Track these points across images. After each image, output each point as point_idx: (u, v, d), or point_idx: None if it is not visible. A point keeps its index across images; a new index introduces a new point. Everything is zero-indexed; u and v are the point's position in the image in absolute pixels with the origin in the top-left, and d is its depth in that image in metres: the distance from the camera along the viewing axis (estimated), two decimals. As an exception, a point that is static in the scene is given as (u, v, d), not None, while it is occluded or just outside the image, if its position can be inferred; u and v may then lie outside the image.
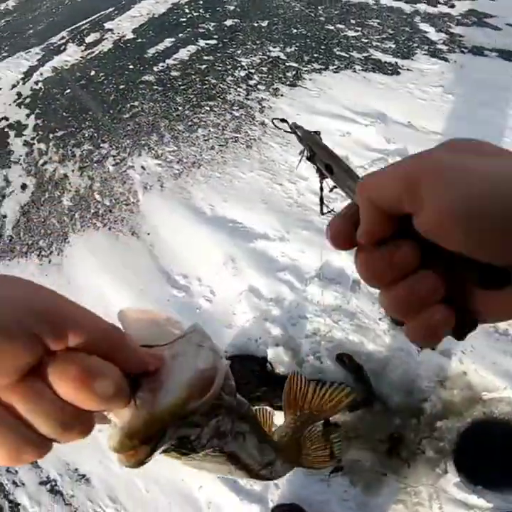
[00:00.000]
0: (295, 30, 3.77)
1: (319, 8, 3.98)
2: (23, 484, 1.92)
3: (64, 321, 0.31)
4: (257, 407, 0.94)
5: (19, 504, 1.89)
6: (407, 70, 3.09)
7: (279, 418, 1.72)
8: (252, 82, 3.28)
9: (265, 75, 3.32)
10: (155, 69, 3.67)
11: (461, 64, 3.07)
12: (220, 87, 3.29)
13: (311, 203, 2.35)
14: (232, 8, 4.35)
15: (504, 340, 1.80)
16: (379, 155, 2.52)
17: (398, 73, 3.08)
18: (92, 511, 1.76)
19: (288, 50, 3.56)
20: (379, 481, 1.58)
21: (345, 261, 2.07)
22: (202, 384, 0.40)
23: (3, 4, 5.87)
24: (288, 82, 3.22)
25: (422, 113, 2.74)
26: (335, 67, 3.26)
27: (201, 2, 4.58)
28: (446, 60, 3.12)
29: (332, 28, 3.68)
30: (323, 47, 3.49)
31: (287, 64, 3.40)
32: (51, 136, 3.26)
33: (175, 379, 0.39)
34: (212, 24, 4.14)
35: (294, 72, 3.29)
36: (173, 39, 4.03)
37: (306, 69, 3.30)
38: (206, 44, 3.85)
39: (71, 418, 0.32)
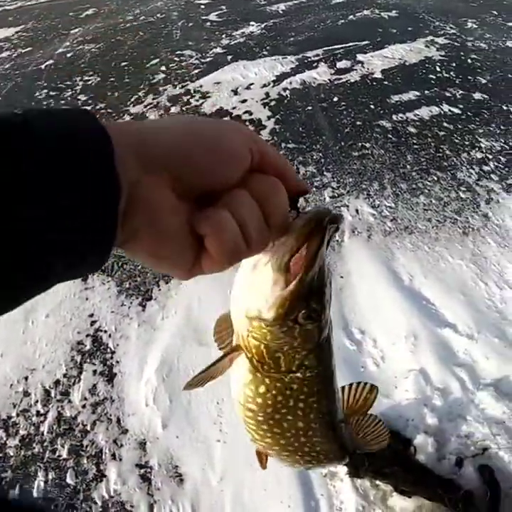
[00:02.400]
0: (550, 131, 3.62)
1: None
2: (121, 459, 1.97)
3: (266, 152, 0.47)
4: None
5: (105, 475, 1.92)
6: None
7: (395, 500, 1.76)
8: (486, 168, 3.23)
9: (502, 167, 3.24)
10: (394, 117, 3.78)
11: None
12: (453, 160, 3.30)
13: (512, 315, 2.29)
14: (484, 81, 4.29)
15: None
16: None
17: None
18: (169, 511, 1.81)
19: (534, 147, 3.43)
20: None
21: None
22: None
23: (274, 6, 6.46)
24: (525, 183, 3.12)
25: None
26: None
27: (454, 65, 4.58)
28: None
29: None
30: None
31: (529, 163, 3.29)
32: (283, 145, 3.55)
33: None
34: (460, 92, 4.13)
35: (534, 175, 3.18)
36: (418, 93, 4.11)
37: (550, 177, 3.17)
38: (450, 110, 3.87)
39: (262, 226, 0.45)
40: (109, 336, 2.45)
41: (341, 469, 1.85)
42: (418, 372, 2.11)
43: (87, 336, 2.45)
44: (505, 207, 2.91)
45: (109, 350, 2.38)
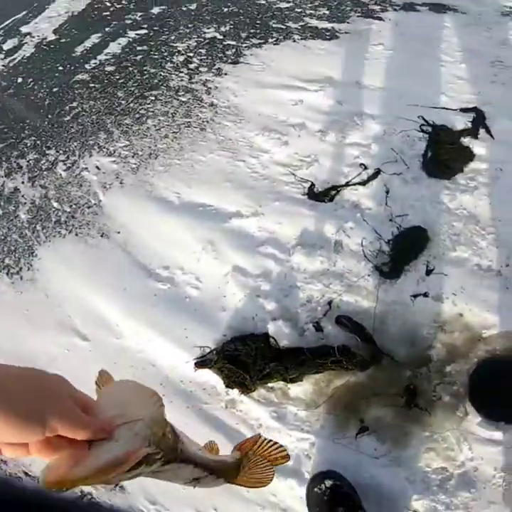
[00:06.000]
0: (226, 9, 3.68)
1: (247, -17, 3.91)
2: None
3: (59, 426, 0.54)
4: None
5: None
6: (345, 33, 3.10)
7: (294, 390, 1.72)
8: (192, 66, 3.18)
9: (205, 57, 3.23)
10: (87, 66, 3.49)
11: (396, 21, 3.11)
12: (160, 75, 3.18)
13: (278, 173, 2.33)
14: (155, -4, 4.20)
15: (489, 276, 1.85)
16: (334, 117, 2.53)
17: (337, 37, 3.08)
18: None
19: (223, 29, 3.47)
20: (405, 434, 1.58)
21: (322, 224, 2.07)
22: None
23: None
24: (229, 61, 3.15)
25: (368, 71, 2.76)
26: (274, 39, 3.21)
27: (122, -6, 4.39)
28: (381, 19, 3.15)
29: (263, 2, 3.62)
30: (258, 22, 3.43)
31: (225, 43, 3.32)
32: (-10, 151, 3.04)
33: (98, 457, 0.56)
34: (139, 14, 3.97)
35: (233, 50, 3.22)
36: (99, 34, 3.84)
37: (245, 45, 3.24)
38: (137, 34, 3.70)
39: None
40: None
41: (232, 393, 1.78)
42: (233, 272, 2.04)
43: None
44: (223, 88, 2.91)
45: None
